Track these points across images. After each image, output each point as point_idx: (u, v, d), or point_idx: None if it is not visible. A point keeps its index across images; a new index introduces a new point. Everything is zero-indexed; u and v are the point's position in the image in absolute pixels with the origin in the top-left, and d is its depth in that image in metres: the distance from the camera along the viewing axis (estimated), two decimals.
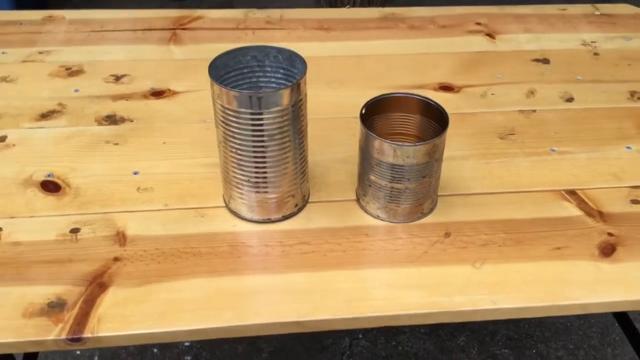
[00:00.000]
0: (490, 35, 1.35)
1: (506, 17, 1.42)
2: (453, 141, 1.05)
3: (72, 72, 1.20)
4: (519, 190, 0.97)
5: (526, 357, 1.68)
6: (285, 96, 0.81)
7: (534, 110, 1.13)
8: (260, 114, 0.81)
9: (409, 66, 1.25)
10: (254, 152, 0.84)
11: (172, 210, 0.93)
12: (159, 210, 0.93)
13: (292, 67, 0.89)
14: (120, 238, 0.88)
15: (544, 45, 1.32)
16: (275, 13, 1.40)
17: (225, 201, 0.93)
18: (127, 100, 1.14)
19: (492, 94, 1.17)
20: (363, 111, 0.89)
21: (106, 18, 1.36)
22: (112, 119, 1.09)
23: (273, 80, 0.91)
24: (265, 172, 0.86)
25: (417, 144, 0.84)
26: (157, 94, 1.16)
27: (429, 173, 0.87)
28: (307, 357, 1.67)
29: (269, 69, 0.91)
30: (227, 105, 0.82)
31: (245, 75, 0.91)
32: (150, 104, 1.13)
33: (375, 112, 0.93)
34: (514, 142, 1.06)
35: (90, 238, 0.88)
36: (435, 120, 0.91)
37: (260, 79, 0.92)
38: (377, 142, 0.85)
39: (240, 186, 0.88)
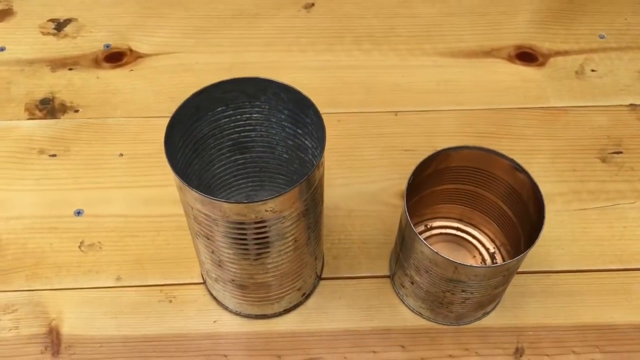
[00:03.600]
0: None
1: None
2: (533, 161, 0.73)
3: None
4: (624, 266, 0.67)
5: None
6: (287, 201, 0.50)
7: None
8: (252, 223, 0.50)
9: (474, 10, 0.88)
10: (243, 257, 0.55)
11: (127, 289, 0.65)
12: (108, 288, 0.65)
13: (303, 113, 0.56)
14: (53, 340, 0.62)
15: None
16: None
17: (203, 277, 0.65)
18: (71, 69, 0.80)
19: (593, 71, 0.82)
20: (411, 179, 0.57)
21: None
22: (49, 107, 0.77)
23: (273, 121, 0.59)
24: (258, 277, 0.57)
25: (490, 266, 0.54)
26: (114, 57, 0.82)
27: (501, 283, 0.58)
28: None
29: (266, 107, 0.57)
30: (198, 208, 0.51)
31: (230, 117, 0.58)
32: (103, 77, 0.80)
33: (434, 165, 0.61)
34: (621, 168, 0.74)
35: (12, 338, 0.62)
36: (522, 188, 0.59)
37: (253, 117, 0.59)
38: (427, 251, 0.54)
39: (223, 283, 0.60)
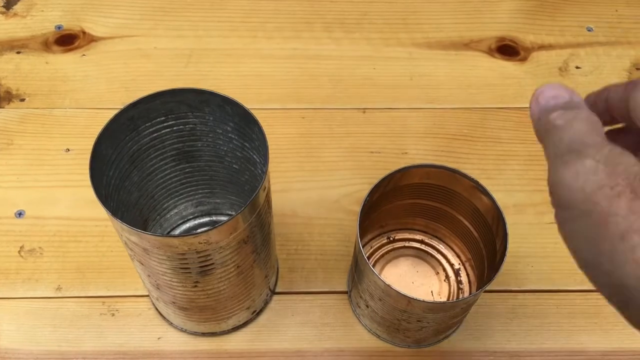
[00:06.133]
0: None
1: None
2: (507, 168, 0.69)
3: None
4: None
5: None
6: (224, 232, 0.45)
7: None
8: (185, 253, 0.46)
9: None
10: (180, 284, 0.51)
11: (67, 300, 0.61)
12: (48, 298, 0.61)
13: (249, 128, 0.51)
14: None
15: None
16: None
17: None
18: (19, 52, 0.75)
19: (577, 68, 0.77)
20: (367, 200, 0.53)
21: None
22: None
23: (219, 132, 0.54)
24: (200, 302, 0.53)
25: (446, 302, 0.50)
26: (66, 40, 0.76)
27: (460, 313, 0.54)
28: None
29: (211, 118, 0.53)
30: (127, 237, 0.47)
31: (172, 127, 0.53)
32: (53, 63, 0.74)
33: (392, 182, 0.56)
34: None
35: None
36: (486, 212, 0.55)
37: (198, 127, 0.54)
38: (380, 283, 0.51)
39: (164, 304, 0.56)
